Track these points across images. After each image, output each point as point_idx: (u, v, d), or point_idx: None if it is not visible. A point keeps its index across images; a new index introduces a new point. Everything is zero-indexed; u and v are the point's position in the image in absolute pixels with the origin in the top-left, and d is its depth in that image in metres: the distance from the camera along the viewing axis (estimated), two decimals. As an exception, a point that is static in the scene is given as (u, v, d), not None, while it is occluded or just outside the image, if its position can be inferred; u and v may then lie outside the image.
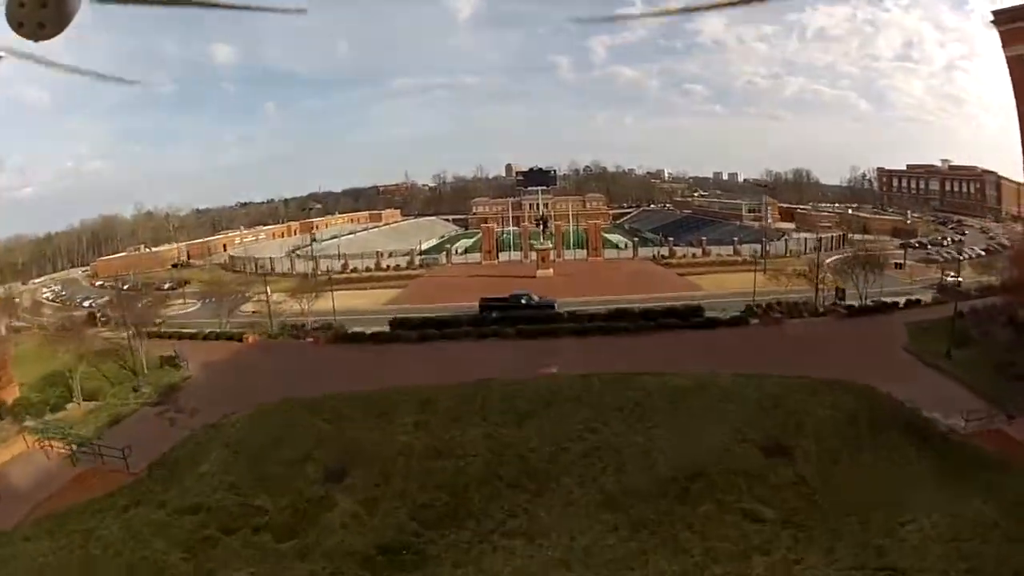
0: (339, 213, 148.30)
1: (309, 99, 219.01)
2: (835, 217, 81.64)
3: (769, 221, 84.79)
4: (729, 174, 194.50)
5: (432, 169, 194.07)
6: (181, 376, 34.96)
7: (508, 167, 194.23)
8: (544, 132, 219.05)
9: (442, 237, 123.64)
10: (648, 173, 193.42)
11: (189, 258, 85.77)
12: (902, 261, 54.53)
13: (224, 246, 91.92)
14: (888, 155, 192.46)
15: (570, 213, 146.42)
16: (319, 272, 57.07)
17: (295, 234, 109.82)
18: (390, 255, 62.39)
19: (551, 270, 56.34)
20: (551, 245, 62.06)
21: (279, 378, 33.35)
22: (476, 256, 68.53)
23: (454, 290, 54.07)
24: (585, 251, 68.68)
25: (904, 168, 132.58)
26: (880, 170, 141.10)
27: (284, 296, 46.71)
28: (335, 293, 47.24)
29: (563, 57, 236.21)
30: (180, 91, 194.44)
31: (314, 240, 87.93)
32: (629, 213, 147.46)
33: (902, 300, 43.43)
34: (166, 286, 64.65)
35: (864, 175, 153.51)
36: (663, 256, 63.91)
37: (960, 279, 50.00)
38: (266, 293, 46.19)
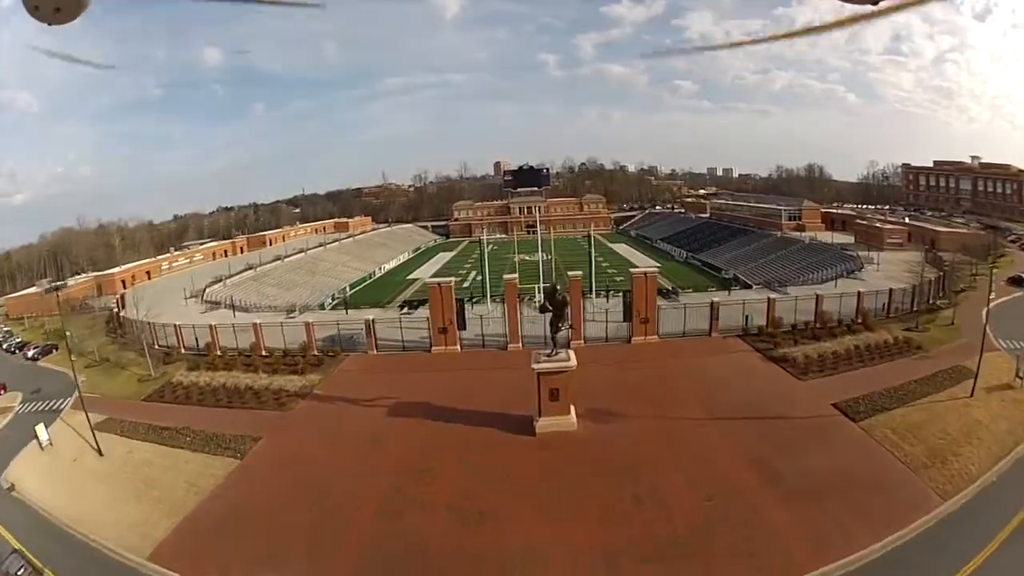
0: (301, 224, 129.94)
1: (298, 100, 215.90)
2: (903, 229, 63.52)
3: (833, 238, 65.66)
4: (724, 170, 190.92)
5: (419, 170, 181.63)
6: None
7: (496, 165, 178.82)
8: (533, 130, 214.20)
9: (416, 250, 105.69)
10: (641, 170, 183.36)
11: (100, 293, 64.50)
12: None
13: (148, 273, 72.91)
14: (881, 150, 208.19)
15: (566, 217, 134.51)
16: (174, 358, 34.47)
17: (241, 252, 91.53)
18: (297, 313, 41.55)
19: (570, 414, 24.40)
20: (565, 332, 25.64)
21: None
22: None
23: (339, 476, 22.34)
24: (614, 317, 33.55)
25: (931, 165, 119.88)
26: (906, 167, 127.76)
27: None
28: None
29: (551, 55, 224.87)
30: (169, 95, 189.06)
31: (249, 267, 69.36)
32: (633, 216, 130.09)
33: None
34: (31, 352, 44.07)
35: (884, 172, 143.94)
36: (758, 329, 32.03)
37: None
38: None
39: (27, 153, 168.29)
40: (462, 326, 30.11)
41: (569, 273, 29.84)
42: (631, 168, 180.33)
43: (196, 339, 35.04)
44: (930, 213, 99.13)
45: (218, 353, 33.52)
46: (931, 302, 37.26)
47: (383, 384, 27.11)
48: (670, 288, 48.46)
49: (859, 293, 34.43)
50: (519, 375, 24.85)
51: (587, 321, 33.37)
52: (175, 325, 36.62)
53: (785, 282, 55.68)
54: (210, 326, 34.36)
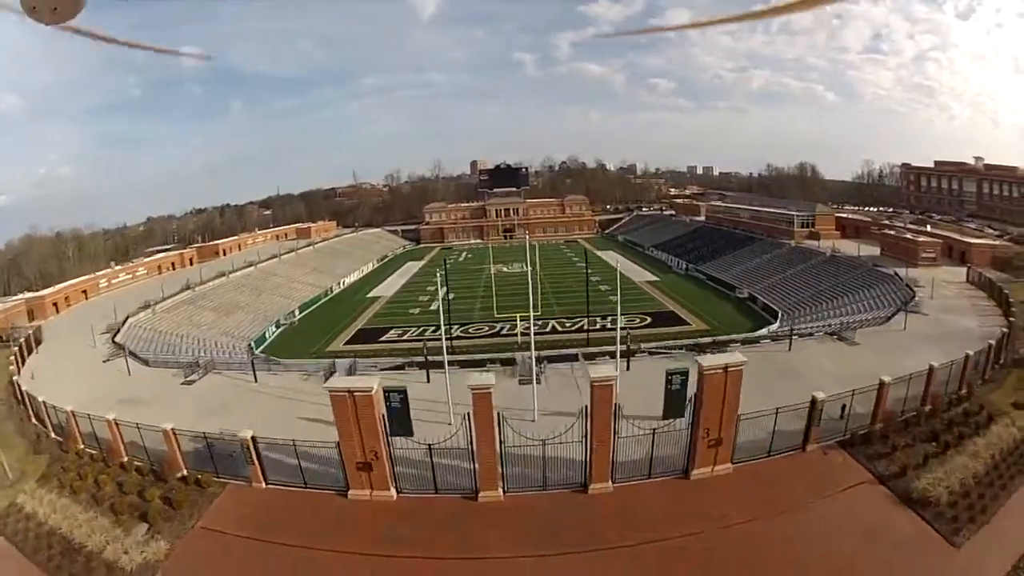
0: (260, 229, 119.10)
1: (275, 100, 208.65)
2: (936, 242, 54.41)
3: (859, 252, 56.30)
4: (704, 167, 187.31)
5: (392, 169, 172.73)
6: None
7: (473, 164, 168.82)
8: (512, 130, 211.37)
9: (383, 259, 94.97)
10: (621, 169, 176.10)
11: (32, 318, 52.66)
12: None
13: (84, 292, 60.87)
14: (862, 148, 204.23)
15: (546, 220, 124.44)
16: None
17: (191, 264, 79.96)
18: (197, 375, 29.17)
19: None
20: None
21: None
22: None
23: None
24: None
25: (932, 165, 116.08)
26: (905, 167, 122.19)
27: None
28: None
29: (528, 54, 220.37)
30: (148, 95, 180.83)
31: (187, 287, 58.55)
32: (619, 220, 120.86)
33: None
34: None
35: (880, 171, 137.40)
36: (865, 436, 19.59)
37: None
38: None
39: (9, 154, 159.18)
40: (405, 430, 16.89)
41: (597, 376, 15.47)
42: (611, 167, 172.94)
43: (60, 421, 24.77)
44: (938, 217, 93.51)
45: (78, 449, 23.29)
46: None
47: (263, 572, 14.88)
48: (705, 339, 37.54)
49: (966, 356, 24.55)
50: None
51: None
52: (42, 403, 26.18)
53: (818, 310, 46.98)
54: (68, 412, 23.84)
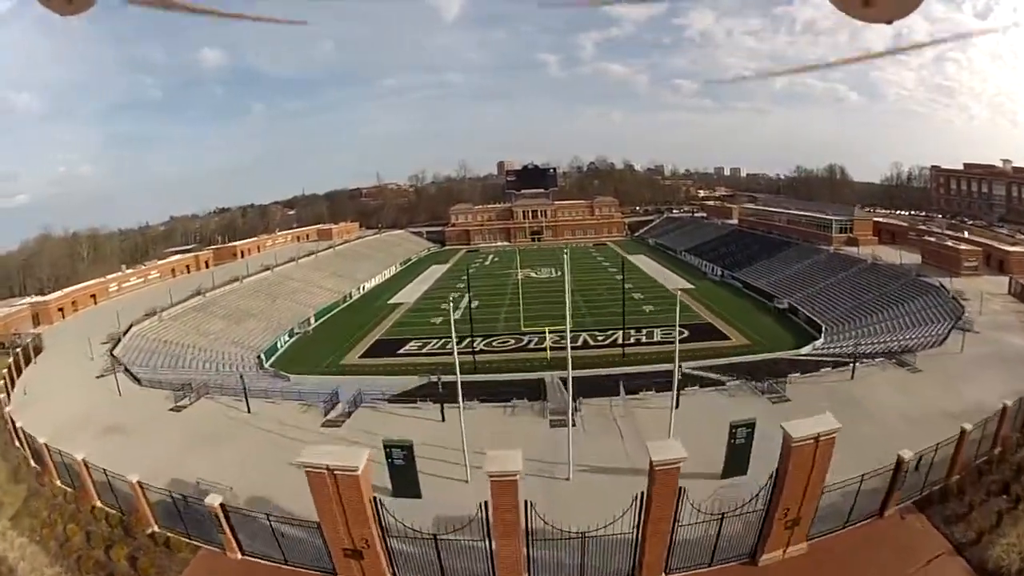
0: (281, 230, 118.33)
1: (297, 100, 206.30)
2: (978, 250, 49.75)
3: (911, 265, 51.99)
4: (731, 169, 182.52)
5: (416, 169, 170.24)
6: None
7: (500, 165, 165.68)
8: (536, 131, 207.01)
9: (406, 262, 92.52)
10: (649, 170, 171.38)
11: (37, 323, 51.25)
12: None
13: (93, 297, 59.35)
14: (886, 149, 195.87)
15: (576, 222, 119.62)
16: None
17: (206, 266, 78.46)
18: (188, 399, 25.66)
19: None
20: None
21: None
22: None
23: None
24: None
25: (961, 168, 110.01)
26: (935, 169, 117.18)
27: None
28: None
29: (551, 55, 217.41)
30: (168, 96, 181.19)
31: (198, 292, 56.86)
32: (650, 222, 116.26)
33: None
34: None
35: (909, 174, 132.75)
36: (941, 493, 16.33)
37: None
38: None
39: (28, 153, 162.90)
40: (411, 491, 14.89)
41: (660, 459, 12.07)
42: (638, 168, 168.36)
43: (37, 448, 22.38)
44: (971, 222, 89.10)
45: (53, 486, 20.82)
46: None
47: None
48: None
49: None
50: None
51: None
52: (20, 428, 23.87)
53: (863, 323, 42.76)
54: (42, 444, 21.32)
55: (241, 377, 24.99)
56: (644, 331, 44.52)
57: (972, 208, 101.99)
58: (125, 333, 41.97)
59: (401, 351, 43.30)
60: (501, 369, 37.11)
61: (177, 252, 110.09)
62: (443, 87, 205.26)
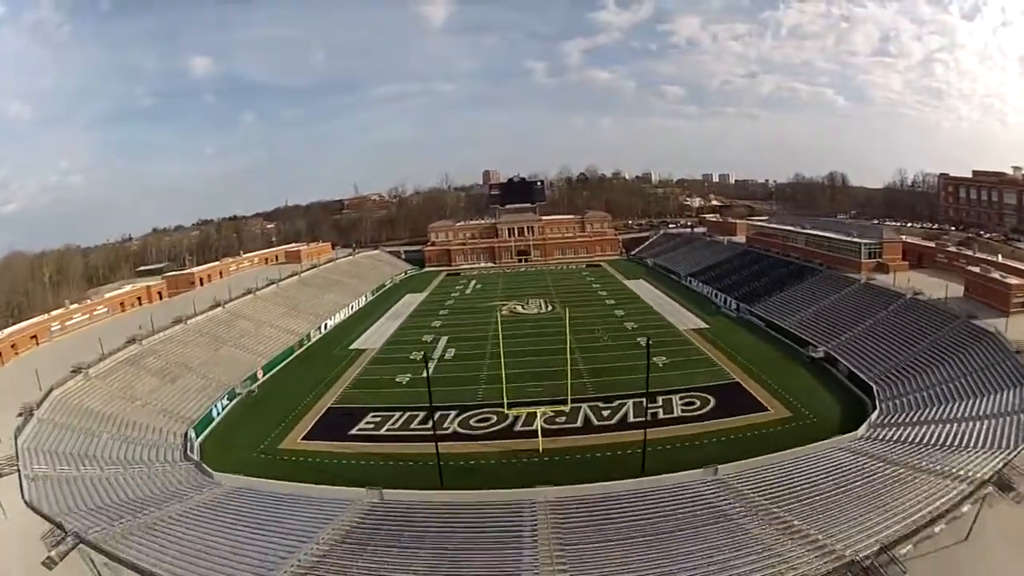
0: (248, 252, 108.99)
1: (286, 109, 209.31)
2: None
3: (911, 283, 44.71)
4: (720, 175, 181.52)
5: (397, 181, 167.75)
6: None
7: (485, 175, 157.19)
8: (523, 139, 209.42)
9: (379, 288, 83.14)
10: (637, 177, 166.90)
11: None
12: None
13: (35, 338, 49.77)
14: (876, 153, 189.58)
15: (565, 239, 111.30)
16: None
17: (159, 298, 68.79)
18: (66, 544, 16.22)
19: None
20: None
21: None
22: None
23: None
24: None
25: (970, 175, 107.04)
26: (944, 177, 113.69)
27: None
28: None
29: (538, 62, 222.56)
30: (159, 104, 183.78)
31: (133, 339, 47.41)
32: (646, 238, 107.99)
33: None
34: None
35: (913, 181, 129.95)
36: None
37: None
38: None
39: (18, 161, 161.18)
40: None
41: None
42: (627, 176, 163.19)
43: None
44: (986, 235, 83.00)
45: None
46: None
47: None
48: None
49: None
50: None
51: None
52: None
53: (918, 384, 34.45)
54: None
55: (185, 438, 16.08)
56: (661, 398, 35.82)
57: (982, 218, 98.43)
58: (43, 401, 33.17)
59: (354, 430, 34.09)
60: (476, 470, 28.57)
61: (144, 273, 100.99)
62: (431, 95, 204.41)
